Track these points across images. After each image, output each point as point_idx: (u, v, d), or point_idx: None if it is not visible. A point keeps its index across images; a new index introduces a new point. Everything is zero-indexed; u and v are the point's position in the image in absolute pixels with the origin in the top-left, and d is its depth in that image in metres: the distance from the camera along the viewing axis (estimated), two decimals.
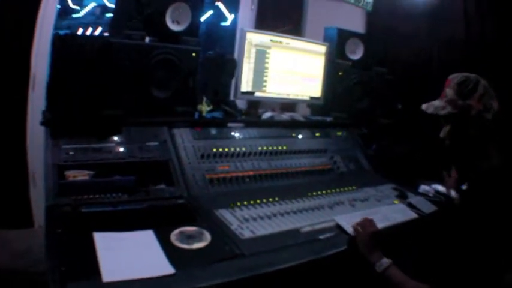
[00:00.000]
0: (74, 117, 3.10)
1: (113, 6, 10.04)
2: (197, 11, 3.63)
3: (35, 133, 5.40)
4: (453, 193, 3.65)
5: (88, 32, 11.38)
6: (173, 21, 3.48)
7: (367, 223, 2.81)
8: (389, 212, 3.22)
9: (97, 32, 11.63)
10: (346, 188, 3.63)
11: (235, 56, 4.22)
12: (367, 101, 4.67)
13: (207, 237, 2.51)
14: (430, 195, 3.77)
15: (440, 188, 3.83)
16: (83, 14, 10.64)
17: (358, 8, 5.77)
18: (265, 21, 6.14)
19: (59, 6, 5.77)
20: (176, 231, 2.52)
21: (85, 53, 3.11)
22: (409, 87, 5.41)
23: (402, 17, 6.32)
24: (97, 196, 2.80)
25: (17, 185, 5.46)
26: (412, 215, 3.29)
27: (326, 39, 4.75)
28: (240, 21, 6.42)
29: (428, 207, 3.47)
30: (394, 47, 5.58)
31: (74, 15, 10.50)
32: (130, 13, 3.37)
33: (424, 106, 2.91)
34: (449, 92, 2.76)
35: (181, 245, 2.42)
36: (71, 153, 2.99)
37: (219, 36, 7.38)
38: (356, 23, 6.37)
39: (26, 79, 5.34)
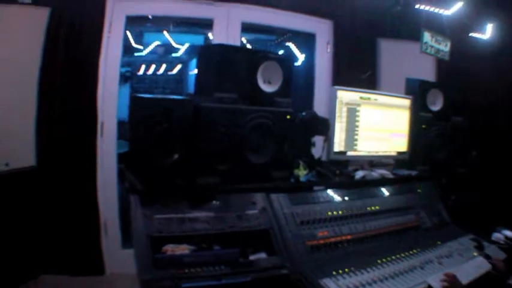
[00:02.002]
0: (167, 186, 3.03)
1: (179, 46, 10.26)
2: (288, 69, 3.54)
3: (106, 180, 5.44)
4: None
5: (151, 70, 11.51)
6: (264, 81, 3.39)
7: (451, 278, 2.87)
8: (470, 267, 3.26)
9: (161, 70, 11.75)
10: (432, 245, 3.60)
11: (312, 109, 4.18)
12: (446, 152, 4.58)
13: None
14: (501, 242, 3.77)
15: (509, 233, 3.85)
16: (145, 53, 10.76)
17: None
18: (341, 65, 6.21)
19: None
20: None
21: (172, 117, 3.02)
22: (481, 132, 5.34)
23: (470, 59, 6.28)
24: (198, 269, 2.69)
25: (89, 233, 5.50)
26: (488, 266, 3.32)
27: (408, 90, 4.72)
28: (318, 64, 6.47)
29: (500, 256, 3.50)
30: (465, 91, 5.52)
31: (136, 54, 10.60)
32: (219, 74, 3.31)
33: None
34: None
35: None
36: (165, 223, 2.89)
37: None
38: (426, 65, 6.36)
39: (94, 125, 5.38)
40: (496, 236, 3.85)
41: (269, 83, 3.41)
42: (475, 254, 3.52)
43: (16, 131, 5.18)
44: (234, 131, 3.21)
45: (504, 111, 6.30)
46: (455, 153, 4.68)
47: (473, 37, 6.40)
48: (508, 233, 3.84)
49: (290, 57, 3.57)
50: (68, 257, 5.58)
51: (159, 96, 3.27)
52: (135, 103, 3.13)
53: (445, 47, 5.52)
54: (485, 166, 5.14)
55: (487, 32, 6.34)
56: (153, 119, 2.98)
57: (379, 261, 3.16)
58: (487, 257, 3.43)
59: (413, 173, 4.42)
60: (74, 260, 5.59)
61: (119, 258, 5.78)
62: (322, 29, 6.81)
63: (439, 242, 3.66)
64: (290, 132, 3.57)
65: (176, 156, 3.04)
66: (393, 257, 3.25)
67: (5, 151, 4.99)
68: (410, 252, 3.39)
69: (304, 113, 3.89)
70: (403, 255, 3.32)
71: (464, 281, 2.94)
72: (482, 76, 6.46)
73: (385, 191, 3.98)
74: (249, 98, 3.34)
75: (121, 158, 5.80)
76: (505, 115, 6.26)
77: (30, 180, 5.33)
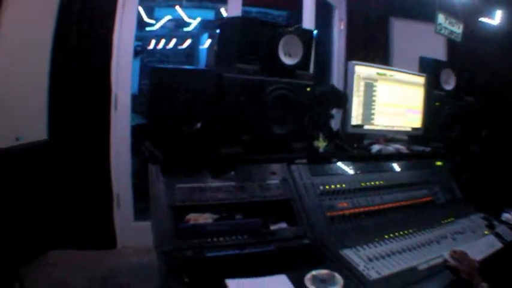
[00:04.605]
0: (189, 155, 3.03)
1: (191, 21, 10.29)
2: (309, 42, 3.56)
3: (119, 152, 5.43)
4: None
5: (161, 44, 11.53)
6: (285, 54, 3.39)
7: (461, 255, 2.89)
8: (483, 245, 3.31)
9: (171, 45, 11.76)
10: (446, 220, 3.64)
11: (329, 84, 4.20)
12: (458, 130, 4.61)
13: (339, 280, 2.49)
14: (511, 222, 3.79)
15: None
16: (156, 28, 10.79)
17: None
18: (354, 42, 6.27)
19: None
20: (309, 275, 2.49)
21: (193, 88, 3.03)
22: (490, 112, 5.37)
23: (479, 42, 6.32)
24: (221, 239, 2.72)
25: (102, 206, 5.53)
26: (499, 245, 3.37)
27: (421, 68, 4.76)
28: (334, 38, 6.53)
29: (510, 236, 3.55)
30: (474, 72, 5.55)
31: (148, 28, 10.63)
32: (241, 46, 3.30)
33: None
34: None
35: None
36: (187, 193, 2.88)
37: None
38: (437, 46, 6.41)
39: (108, 98, 5.35)
40: (506, 216, 3.87)
41: (290, 56, 3.39)
42: (486, 232, 3.55)
43: (27, 105, 5.13)
44: (256, 101, 3.20)
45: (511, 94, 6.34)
46: (467, 132, 4.71)
47: (483, 21, 6.44)
48: None
49: (311, 31, 3.53)
50: (80, 231, 5.58)
51: (180, 66, 3.26)
52: (155, 74, 3.13)
53: (457, 29, 5.60)
54: (494, 146, 5.18)
55: (496, 18, 6.38)
56: (175, 89, 2.98)
57: (396, 233, 3.20)
58: (498, 236, 3.48)
59: (427, 149, 4.48)
60: (86, 234, 5.60)
61: (131, 232, 5.83)
62: (337, 5, 6.86)
63: (452, 218, 3.69)
64: (310, 104, 3.58)
65: (199, 125, 3.04)
66: (410, 230, 3.29)
67: (16, 125, 4.95)
68: (427, 226, 3.43)
69: (323, 86, 3.91)
70: (418, 228, 3.35)
71: (477, 257, 2.97)
72: (491, 59, 6.49)
73: (399, 166, 4.00)
74: (270, 70, 3.34)
75: (134, 130, 5.81)
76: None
77: (42, 154, 5.31)
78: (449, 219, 3.67)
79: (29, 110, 5.16)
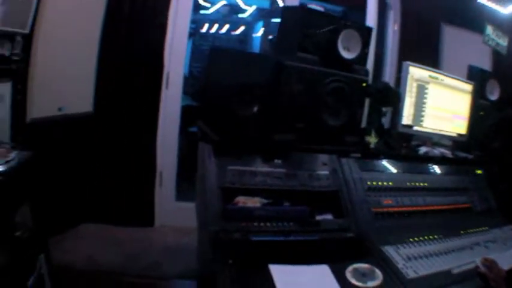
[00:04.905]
0: (243, 138, 3.06)
1: (247, 8, 10.30)
2: (367, 38, 3.57)
3: (166, 132, 5.45)
4: None
5: (214, 29, 11.55)
6: (344, 48, 3.41)
7: (491, 263, 2.91)
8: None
9: (224, 30, 11.77)
10: (481, 228, 3.65)
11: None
12: (500, 141, 4.63)
13: (379, 275, 2.54)
14: None
15: None
16: (211, 12, 10.80)
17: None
18: (407, 44, 6.32)
19: None
20: (350, 268, 2.55)
21: (252, 72, 3.06)
22: None
23: None
24: (268, 224, 2.75)
25: (143, 183, 5.55)
26: None
27: (469, 76, 4.79)
28: (389, 41, 6.71)
29: None
30: None
31: (202, 11, 10.64)
32: (302, 35, 3.31)
33: None
34: None
35: (357, 283, 2.45)
36: (237, 175, 2.92)
37: None
38: (482, 57, 6.42)
39: (160, 75, 5.43)
40: None
41: (348, 50, 3.41)
42: None
43: (74, 76, 5.15)
44: (313, 91, 3.22)
45: None
46: (507, 143, 4.73)
47: None
48: None
49: (370, 28, 3.53)
50: (118, 206, 5.62)
51: (241, 49, 3.28)
52: (215, 55, 3.16)
53: (503, 42, 5.66)
54: None
55: None
56: (234, 71, 3.02)
57: (435, 236, 3.24)
58: None
59: (470, 156, 4.49)
60: (125, 209, 5.64)
61: (171, 211, 5.88)
62: (393, 6, 6.95)
63: (486, 227, 3.71)
64: (364, 99, 3.62)
65: (256, 108, 3.06)
66: (447, 234, 3.33)
67: (60, 96, 4.98)
68: (462, 231, 3.47)
69: (377, 83, 3.94)
70: (456, 234, 3.40)
71: (505, 268, 3.00)
72: None
73: (442, 170, 4.01)
74: (329, 63, 3.34)
75: (183, 111, 5.83)
76: None
77: (85, 126, 5.35)
78: (483, 228, 3.68)
79: (76, 82, 5.20)
